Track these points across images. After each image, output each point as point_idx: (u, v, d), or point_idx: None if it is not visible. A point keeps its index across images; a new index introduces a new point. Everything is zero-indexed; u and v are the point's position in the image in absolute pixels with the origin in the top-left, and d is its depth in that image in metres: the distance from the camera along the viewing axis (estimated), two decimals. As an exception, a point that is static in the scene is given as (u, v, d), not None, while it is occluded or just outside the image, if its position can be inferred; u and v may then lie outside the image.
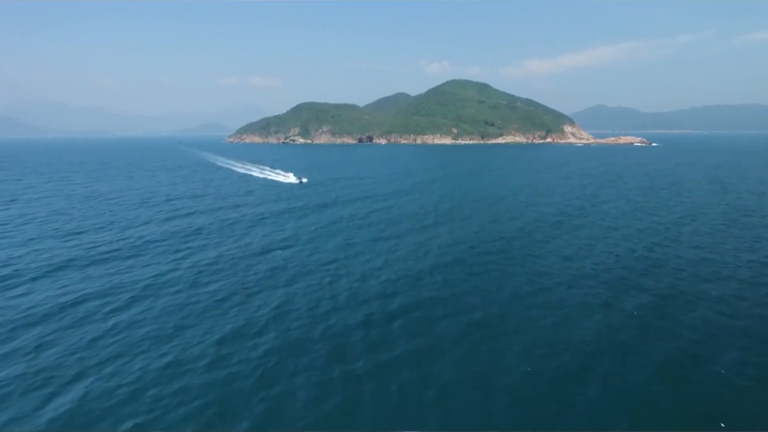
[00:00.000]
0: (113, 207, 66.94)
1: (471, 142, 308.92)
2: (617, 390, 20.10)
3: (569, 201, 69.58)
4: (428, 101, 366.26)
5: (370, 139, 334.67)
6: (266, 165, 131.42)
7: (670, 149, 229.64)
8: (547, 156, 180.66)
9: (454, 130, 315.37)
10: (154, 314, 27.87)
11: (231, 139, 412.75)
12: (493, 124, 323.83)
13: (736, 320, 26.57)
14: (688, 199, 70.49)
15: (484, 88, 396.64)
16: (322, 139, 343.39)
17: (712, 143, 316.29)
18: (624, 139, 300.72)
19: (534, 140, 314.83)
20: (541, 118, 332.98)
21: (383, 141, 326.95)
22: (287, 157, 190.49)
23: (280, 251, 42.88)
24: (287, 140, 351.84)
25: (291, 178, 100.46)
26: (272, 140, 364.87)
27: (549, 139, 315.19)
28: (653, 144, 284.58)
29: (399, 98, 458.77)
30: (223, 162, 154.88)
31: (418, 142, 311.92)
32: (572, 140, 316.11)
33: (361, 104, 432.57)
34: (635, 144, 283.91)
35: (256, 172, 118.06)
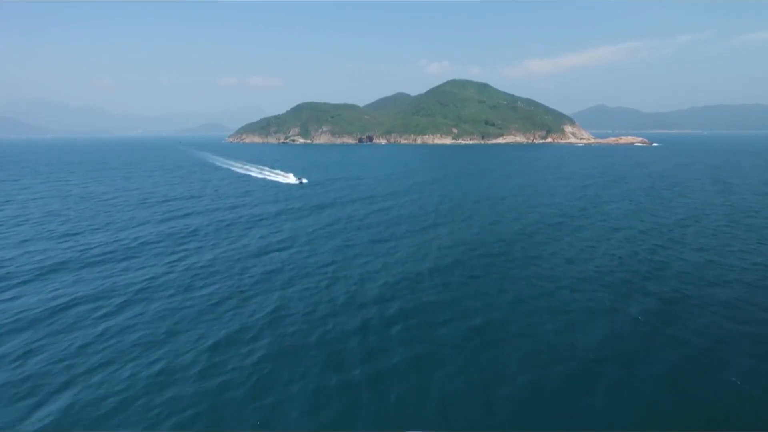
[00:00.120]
0: (109, 208, 66.20)
1: (471, 142, 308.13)
2: (624, 400, 19.37)
3: (570, 202, 68.84)
4: (428, 101, 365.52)
5: (370, 139, 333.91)
6: (266, 165, 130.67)
7: (670, 149, 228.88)
8: (548, 156, 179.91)
9: (455, 130, 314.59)
10: (146, 319, 27.13)
11: (231, 139, 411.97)
12: (493, 124, 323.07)
13: (746, 326, 25.81)
14: (691, 199, 69.75)
15: (484, 88, 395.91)
16: (322, 139, 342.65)
17: (713, 143, 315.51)
18: (625, 139, 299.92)
19: (534, 140, 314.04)
20: (541, 118, 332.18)
21: (383, 141, 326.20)
22: (287, 157, 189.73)
23: (277, 253, 42.15)
24: (287, 140, 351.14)
25: (291, 179, 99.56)
26: (272, 140, 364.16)
27: (549, 139, 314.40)
28: (654, 144, 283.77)
29: (399, 98, 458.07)
30: (222, 162, 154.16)
31: (418, 142, 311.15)
32: (573, 140, 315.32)
33: (361, 104, 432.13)
34: (636, 144, 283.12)
35: (255, 172, 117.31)
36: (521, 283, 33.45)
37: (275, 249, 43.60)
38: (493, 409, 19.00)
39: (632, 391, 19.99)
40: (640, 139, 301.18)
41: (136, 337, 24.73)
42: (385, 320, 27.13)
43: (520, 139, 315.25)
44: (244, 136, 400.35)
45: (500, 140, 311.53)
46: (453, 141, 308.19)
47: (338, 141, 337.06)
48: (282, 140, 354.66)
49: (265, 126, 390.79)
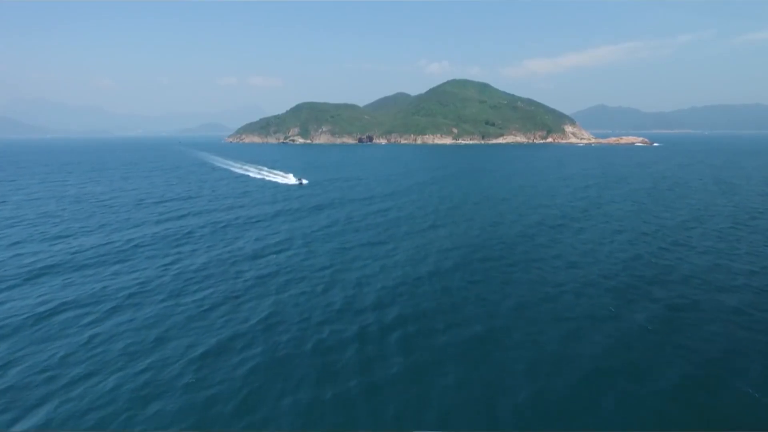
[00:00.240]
0: (105, 209, 65.23)
1: (471, 142, 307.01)
2: (633, 414, 18.37)
3: (572, 203, 67.85)
4: (428, 101, 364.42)
5: (370, 139, 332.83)
6: (265, 165, 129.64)
7: (671, 149, 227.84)
8: (548, 156, 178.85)
9: (455, 130, 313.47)
10: (134, 326, 26.14)
11: (230, 139, 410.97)
12: (493, 124, 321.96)
13: (758, 333, 24.81)
14: (693, 200, 68.75)
15: (484, 87, 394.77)
16: (322, 139, 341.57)
17: (714, 143, 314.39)
18: (625, 139, 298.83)
19: (535, 140, 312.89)
20: (542, 117, 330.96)
21: (383, 141, 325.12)
22: (286, 157, 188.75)
23: (273, 256, 41.17)
24: (287, 140, 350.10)
25: (290, 179, 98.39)
26: (272, 140, 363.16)
27: (550, 139, 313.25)
28: (655, 144, 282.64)
29: (399, 98, 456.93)
30: (221, 162, 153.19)
31: (419, 142, 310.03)
32: (573, 140, 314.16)
33: (361, 104, 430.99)
34: (637, 144, 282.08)
35: (254, 172, 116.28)
36: (523, 287, 32.46)
37: (271, 251, 42.62)
38: (495, 424, 18.01)
39: (641, 404, 19.00)
40: (640, 139, 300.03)
41: (123, 345, 23.74)
42: (383, 327, 26.13)
43: (520, 139, 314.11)
44: (243, 136, 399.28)
45: (500, 140, 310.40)
46: (453, 141, 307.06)
47: (338, 141, 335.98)
48: (281, 140, 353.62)
49: (264, 126, 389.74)
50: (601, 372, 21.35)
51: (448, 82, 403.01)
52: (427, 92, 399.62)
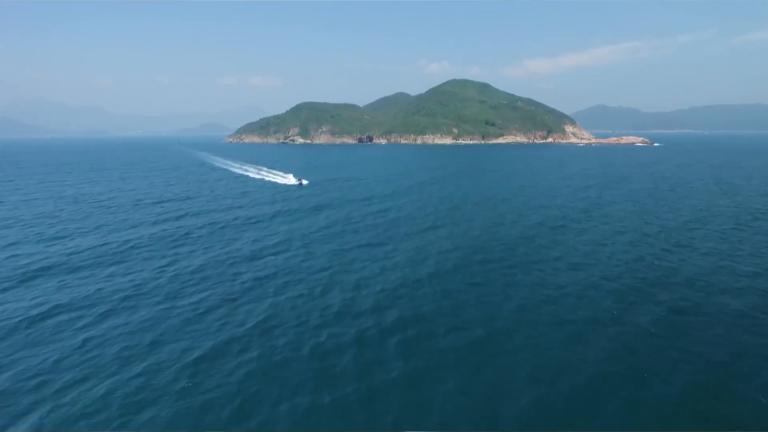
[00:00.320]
0: (102, 210, 64.78)
1: (472, 142, 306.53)
2: (638, 421, 17.92)
3: (573, 203, 67.40)
4: (429, 101, 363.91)
5: (370, 139, 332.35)
6: (264, 166, 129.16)
7: (672, 149, 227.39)
8: (549, 156, 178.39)
9: (455, 130, 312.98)
10: (129, 329, 25.69)
11: (230, 139, 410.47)
12: (493, 124, 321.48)
13: (764, 337, 24.34)
14: (695, 201, 68.30)
15: (484, 87, 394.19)
16: (322, 139, 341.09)
17: (714, 143, 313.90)
18: (626, 139, 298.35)
19: (535, 140, 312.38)
20: (542, 117, 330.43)
21: (383, 141, 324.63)
22: (286, 157, 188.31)
23: (271, 257, 40.72)
24: (286, 140, 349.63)
25: (290, 180, 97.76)
26: (271, 140, 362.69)
27: (550, 139, 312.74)
28: (655, 144, 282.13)
29: (399, 98, 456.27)
30: (220, 162, 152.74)
31: (419, 142, 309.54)
32: (573, 140, 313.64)
33: (361, 104, 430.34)
34: (637, 144, 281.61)
35: (253, 172, 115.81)
36: (524, 290, 32.00)
37: (269, 253, 42.17)
38: (497, 428, 17.56)
39: (646, 410, 18.56)
40: (641, 139, 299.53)
41: (117, 350, 23.29)
42: (381, 331, 25.68)
43: (520, 139, 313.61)
44: (243, 136, 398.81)
45: (501, 140, 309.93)
46: (453, 141, 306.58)
47: (338, 141, 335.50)
48: (281, 140, 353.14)
49: (264, 126, 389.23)
50: (605, 377, 20.90)
51: (448, 82, 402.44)
52: (427, 92, 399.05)
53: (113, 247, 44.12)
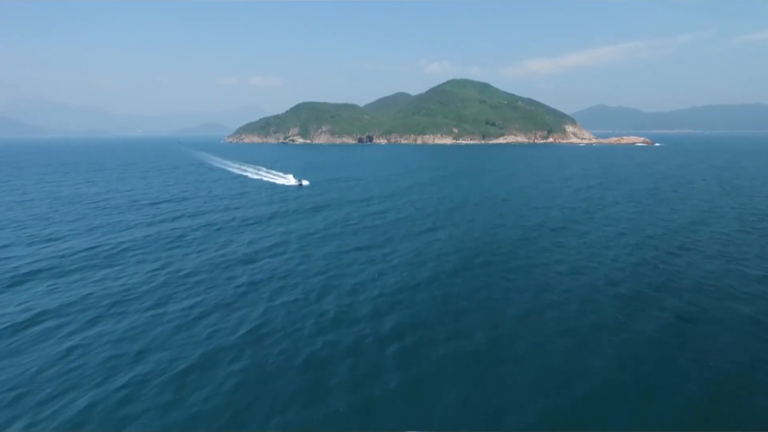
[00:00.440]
0: (97, 211, 63.84)
1: (472, 142, 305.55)
2: (647, 438, 16.98)
3: (574, 204, 66.44)
4: (429, 101, 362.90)
5: (370, 139, 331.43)
6: (264, 166, 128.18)
7: (672, 149, 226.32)
8: (549, 156, 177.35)
9: (455, 130, 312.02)
10: (116, 337, 24.74)
11: (230, 139, 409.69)
12: (494, 124, 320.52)
13: (776, 347, 23.39)
14: (698, 201, 67.34)
15: (485, 87, 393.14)
16: (322, 139, 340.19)
17: (715, 143, 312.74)
18: (626, 139, 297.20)
19: (535, 140, 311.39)
20: (542, 117, 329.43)
21: (383, 141, 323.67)
22: (286, 157, 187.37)
23: (266, 260, 39.76)
24: (286, 140, 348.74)
25: (290, 180, 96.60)
26: (271, 140, 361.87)
27: (551, 139, 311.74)
28: (656, 144, 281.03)
29: (399, 98, 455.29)
30: (219, 162, 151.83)
31: (419, 142, 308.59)
32: (574, 140, 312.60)
33: (361, 104, 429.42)
34: (638, 144, 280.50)
35: (252, 173, 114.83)
36: (526, 294, 31.05)
37: (265, 256, 41.22)
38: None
39: (655, 424, 17.60)
40: (642, 139, 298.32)
41: (101, 359, 22.33)
42: (379, 339, 24.72)
43: (521, 139, 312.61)
44: (243, 136, 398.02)
45: (501, 140, 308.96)
46: (453, 141, 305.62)
47: (338, 141, 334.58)
48: (281, 140, 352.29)
49: (264, 126, 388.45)
50: (612, 389, 19.94)
51: (448, 82, 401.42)
52: (427, 92, 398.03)
53: (106, 249, 43.18)
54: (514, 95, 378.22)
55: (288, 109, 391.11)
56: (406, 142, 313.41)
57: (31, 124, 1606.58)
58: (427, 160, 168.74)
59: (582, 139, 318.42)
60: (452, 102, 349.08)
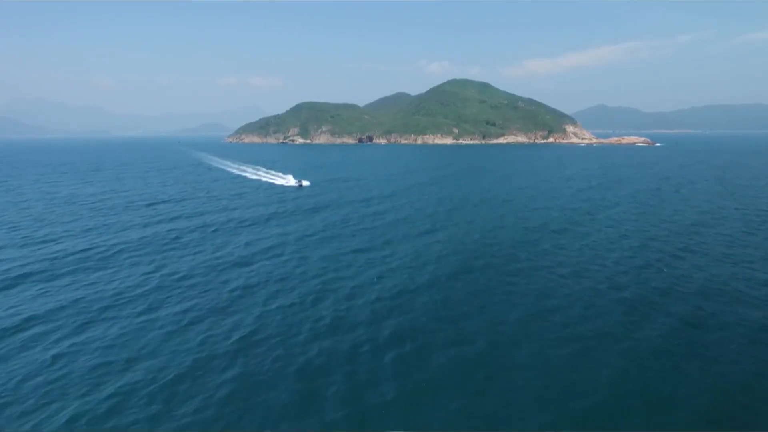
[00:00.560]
0: (93, 212, 63.09)
1: (472, 142, 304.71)
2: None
3: (575, 205, 65.65)
4: (429, 101, 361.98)
5: (370, 139, 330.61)
6: (263, 166, 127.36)
7: (673, 149, 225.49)
8: (550, 156, 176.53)
9: (455, 130, 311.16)
10: (105, 344, 23.97)
11: (230, 139, 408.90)
12: (494, 124, 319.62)
13: (787, 355, 22.61)
14: (701, 202, 66.54)
15: (485, 87, 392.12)
16: (322, 139, 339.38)
17: (716, 143, 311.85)
18: (627, 139, 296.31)
19: (536, 140, 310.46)
20: (543, 117, 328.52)
21: (383, 141, 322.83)
22: (285, 157, 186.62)
23: (263, 263, 39.00)
24: (286, 140, 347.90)
25: (290, 181, 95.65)
26: (271, 140, 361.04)
27: (551, 139, 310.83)
28: (657, 144, 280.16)
29: (399, 98, 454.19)
30: (218, 163, 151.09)
31: (419, 142, 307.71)
32: (575, 140, 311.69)
33: (361, 104, 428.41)
34: (638, 144, 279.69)
35: (251, 173, 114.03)
36: (527, 299, 30.29)
37: (262, 258, 40.47)
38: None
39: (665, 439, 16.86)
40: (642, 139, 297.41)
41: (89, 368, 21.56)
42: (376, 347, 23.95)
43: (521, 139, 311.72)
44: (243, 136, 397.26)
45: (501, 140, 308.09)
46: (454, 141, 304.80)
47: (338, 141, 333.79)
48: (281, 140, 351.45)
49: (264, 126, 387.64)
50: (617, 400, 19.18)
51: (448, 82, 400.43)
52: (427, 92, 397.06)
53: (100, 251, 42.44)
54: (514, 95, 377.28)
55: (288, 109, 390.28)
56: (406, 142, 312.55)
57: (31, 124, 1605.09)
58: (427, 160, 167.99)
59: (582, 139, 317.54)
60: (452, 102, 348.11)
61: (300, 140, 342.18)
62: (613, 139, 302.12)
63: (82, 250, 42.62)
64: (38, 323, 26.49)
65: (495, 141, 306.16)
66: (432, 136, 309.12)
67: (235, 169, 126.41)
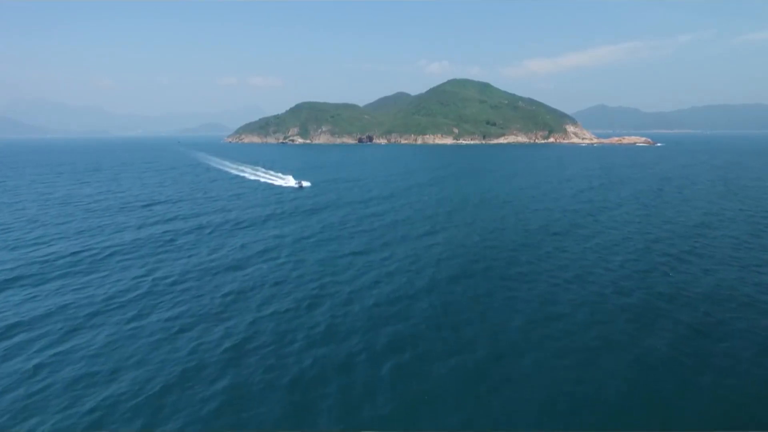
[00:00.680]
0: (88, 213, 62.13)
1: (472, 142, 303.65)
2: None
3: (577, 206, 64.67)
4: (429, 101, 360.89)
5: (370, 139, 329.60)
6: (262, 166, 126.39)
7: (674, 149, 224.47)
8: (550, 156, 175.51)
9: (456, 130, 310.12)
10: (90, 353, 23.03)
11: (230, 139, 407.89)
12: (494, 124, 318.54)
13: (802, 365, 21.65)
14: (704, 203, 65.58)
15: (485, 87, 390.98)
16: (322, 139, 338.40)
17: (716, 143, 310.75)
18: (628, 139, 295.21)
19: (536, 140, 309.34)
20: (543, 117, 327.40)
21: (383, 141, 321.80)
22: (285, 157, 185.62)
23: (258, 266, 38.05)
24: (286, 140, 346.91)
25: (290, 181, 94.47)
26: (271, 140, 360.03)
27: (551, 139, 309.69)
28: (657, 144, 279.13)
29: (399, 98, 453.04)
30: (217, 163, 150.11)
31: (419, 142, 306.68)
32: (575, 140, 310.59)
33: (361, 104, 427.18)
34: (639, 144, 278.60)
35: (250, 174, 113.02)
36: (529, 305, 29.33)
37: (257, 261, 39.52)
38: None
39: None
40: (643, 139, 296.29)
41: (72, 378, 20.62)
42: (373, 355, 23.00)
43: (521, 139, 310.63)
44: (243, 136, 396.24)
45: (501, 140, 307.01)
46: (454, 141, 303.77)
47: (338, 141, 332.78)
48: (281, 140, 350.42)
49: (264, 126, 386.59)
50: (626, 417, 18.21)
51: (448, 82, 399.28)
52: (427, 92, 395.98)
53: (92, 253, 41.50)
54: (514, 95, 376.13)
55: (288, 109, 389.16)
56: (406, 142, 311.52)
57: (31, 124, 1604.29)
58: (427, 160, 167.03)
59: (583, 139, 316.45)
60: (452, 102, 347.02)
61: (300, 140, 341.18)
62: (614, 139, 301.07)
63: (73, 253, 41.69)
64: (22, 330, 25.55)
65: (495, 141, 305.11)
66: (432, 136, 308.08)
67: (234, 169, 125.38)
